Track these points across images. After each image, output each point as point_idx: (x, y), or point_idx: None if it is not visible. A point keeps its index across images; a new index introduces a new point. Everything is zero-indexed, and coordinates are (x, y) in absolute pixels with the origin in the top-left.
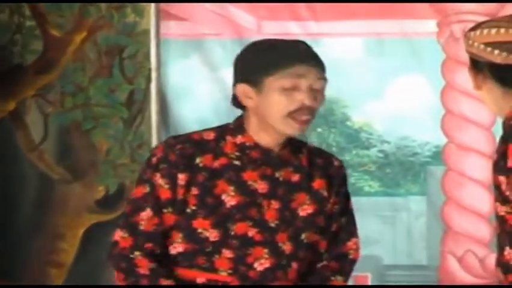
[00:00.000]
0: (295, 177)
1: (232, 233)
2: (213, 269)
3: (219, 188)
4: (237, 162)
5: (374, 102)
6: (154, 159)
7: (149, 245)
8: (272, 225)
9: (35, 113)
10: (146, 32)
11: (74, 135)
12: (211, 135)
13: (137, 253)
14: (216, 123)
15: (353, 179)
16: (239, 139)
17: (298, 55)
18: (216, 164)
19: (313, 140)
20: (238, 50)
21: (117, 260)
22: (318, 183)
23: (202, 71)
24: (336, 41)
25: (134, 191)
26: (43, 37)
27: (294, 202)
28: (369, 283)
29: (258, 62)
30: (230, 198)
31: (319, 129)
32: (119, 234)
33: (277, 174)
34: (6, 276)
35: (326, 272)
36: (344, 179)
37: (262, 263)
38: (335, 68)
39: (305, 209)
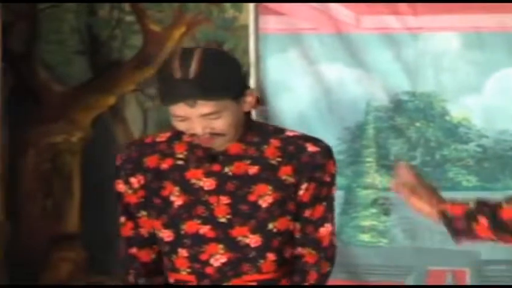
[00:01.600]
0: (253, 170)
1: (183, 232)
2: (175, 269)
3: (166, 189)
4: (180, 162)
5: (473, 96)
6: (115, 167)
7: (132, 250)
8: (223, 220)
9: (134, 107)
10: (245, 27)
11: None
12: (165, 136)
13: (125, 258)
14: (313, 117)
15: (451, 173)
16: (189, 138)
17: (174, 96)
18: (164, 165)
19: (411, 135)
20: (336, 45)
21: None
22: (284, 171)
23: (300, 65)
24: (435, 35)
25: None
26: (143, 32)
27: (252, 195)
28: (467, 278)
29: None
30: (176, 199)
31: (417, 124)
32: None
33: (226, 170)
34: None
35: (303, 265)
36: (319, 165)
37: (217, 259)
38: (433, 62)
39: (266, 200)
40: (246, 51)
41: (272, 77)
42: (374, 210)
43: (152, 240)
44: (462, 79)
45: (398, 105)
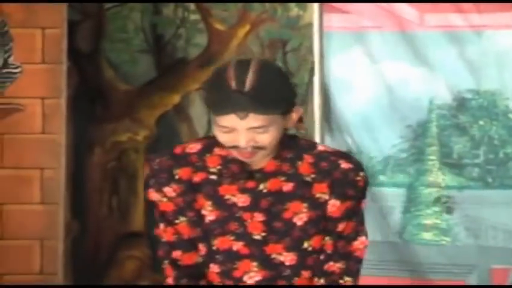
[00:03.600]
0: (288, 187)
1: (215, 247)
2: (209, 282)
3: (198, 202)
4: (213, 177)
5: None
6: (146, 176)
7: (177, 253)
8: (258, 237)
9: (198, 106)
10: (309, 26)
11: None
12: (196, 148)
13: (166, 262)
14: (376, 115)
15: None
16: (225, 151)
17: (228, 106)
18: (196, 178)
19: (474, 133)
20: (399, 43)
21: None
22: (318, 188)
23: (364, 63)
24: (499, 33)
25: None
26: (207, 31)
27: (287, 212)
28: (510, 276)
29: (205, 95)
30: (208, 213)
31: (481, 122)
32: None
33: (261, 187)
34: None
35: (333, 274)
36: (352, 182)
37: (251, 276)
38: (497, 60)
39: (301, 218)
40: (310, 50)
41: (335, 75)
42: (436, 209)
43: (195, 244)
44: None
45: (461, 104)
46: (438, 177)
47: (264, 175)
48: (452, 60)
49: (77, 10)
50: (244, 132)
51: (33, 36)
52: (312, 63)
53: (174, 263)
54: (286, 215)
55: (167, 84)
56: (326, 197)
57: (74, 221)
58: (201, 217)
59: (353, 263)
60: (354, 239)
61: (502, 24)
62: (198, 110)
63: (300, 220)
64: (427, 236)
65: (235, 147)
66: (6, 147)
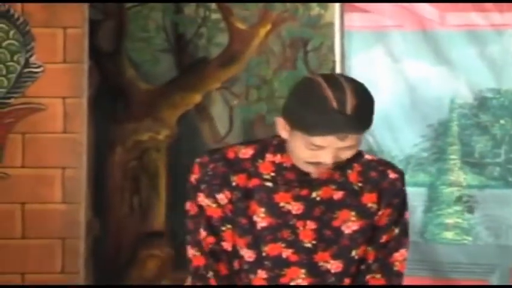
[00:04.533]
0: (338, 195)
1: (264, 253)
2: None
3: (251, 209)
4: (268, 184)
5: None
6: (193, 179)
7: (217, 265)
8: (308, 245)
9: (220, 105)
10: (330, 25)
11: (259, 128)
12: (248, 153)
13: (210, 273)
14: (397, 114)
15: None
16: (278, 158)
17: (333, 129)
18: (250, 184)
19: (495, 132)
20: (420, 42)
21: (194, 278)
22: (367, 198)
23: (385, 62)
24: None
25: (189, 206)
26: (228, 30)
27: (336, 220)
28: None
29: (296, 113)
30: (261, 220)
31: (502, 121)
32: (191, 252)
33: (314, 195)
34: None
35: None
36: (398, 192)
37: (298, 283)
38: None
39: (350, 226)
40: (331, 49)
41: (357, 74)
42: (458, 208)
43: (233, 254)
44: None
45: (482, 103)
46: (460, 176)
47: (317, 183)
48: (473, 59)
49: (98, 10)
50: (333, 151)
51: (54, 36)
52: (334, 62)
53: (217, 274)
54: (335, 223)
55: (188, 83)
56: (375, 206)
57: (96, 220)
58: (253, 224)
59: (394, 278)
60: (396, 250)
61: None
62: (219, 109)
63: (348, 228)
64: (449, 235)
65: (317, 163)
66: (27, 147)
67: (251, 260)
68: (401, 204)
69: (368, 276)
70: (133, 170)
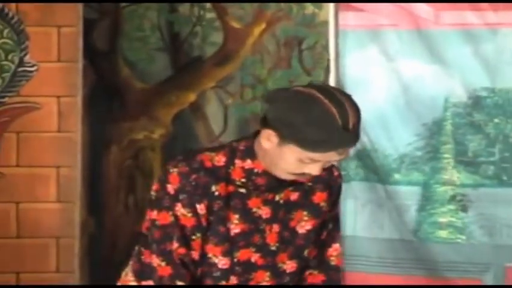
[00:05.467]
0: (295, 196)
1: (236, 260)
2: None
3: (227, 216)
4: (242, 190)
5: None
6: (171, 189)
7: (186, 274)
8: (273, 248)
9: (215, 104)
10: (325, 24)
11: (253, 127)
12: (221, 161)
13: (179, 283)
14: (391, 113)
15: None
16: (248, 164)
17: (337, 145)
18: (227, 191)
19: (490, 131)
20: (415, 41)
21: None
22: (319, 197)
23: (379, 61)
24: None
25: (158, 215)
26: (223, 29)
27: (292, 221)
28: None
29: (297, 128)
30: (234, 226)
31: (496, 120)
32: (155, 261)
33: (277, 198)
34: None
35: (317, 285)
36: (340, 189)
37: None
38: None
39: (303, 226)
40: (325, 48)
41: (351, 73)
42: (451, 207)
43: (200, 263)
44: None
45: (476, 102)
46: (454, 175)
47: (280, 186)
48: (468, 58)
49: (93, 9)
50: (324, 163)
51: (49, 35)
52: (328, 61)
53: (187, 282)
54: (292, 223)
55: (183, 82)
56: (325, 204)
57: (91, 219)
58: (227, 231)
59: (333, 273)
60: (330, 245)
61: None
62: (214, 108)
63: (301, 228)
64: (442, 234)
65: (301, 174)
66: (22, 146)
67: (226, 267)
68: (338, 201)
69: (306, 273)
70: (128, 169)
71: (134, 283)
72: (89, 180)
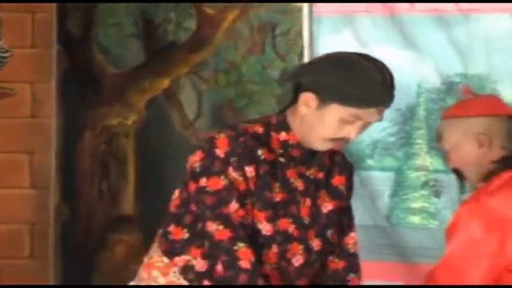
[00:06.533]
0: (320, 175)
1: (277, 228)
2: (261, 262)
3: (271, 182)
4: (282, 159)
5: None
6: (220, 152)
7: (246, 235)
8: (306, 222)
9: (189, 90)
10: (299, 10)
11: (227, 113)
12: (260, 130)
13: (241, 244)
14: None
15: None
16: (283, 136)
17: (379, 101)
18: (270, 158)
19: None
20: (389, 27)
21: (216, 252)
22: (337, 180)
23: (353, 47)
24: (487, 16)
25: (207, 182)
26: (197, 15)
27: (319, 199)
28: None
29: (339, 86)
30: (275, 195)
31: None
32: (212, 227)
33: (308, 173)
34: None
35: (339, 271)
36: (353, 175)
37: (298, 259)
38: (485, 43)
39: (326, 206)
40: (299, 34)
41: None
42: (424, 192)
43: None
44: None
45: (449, 87)
46: (426, 160)
47: (310, 162)
48: (441, 44)
49: None
50: (361, 126)
51: (23, 21)
52: (302, 47)
53: (249, 245)
54: (319, 201)
55: (157, 68)
56: (344, 189)
57: (64, 205)
58: (271, 198)
59: (353, 259)
60: (347, 233)
61: (489, 8)
62: (188, 94)
63: (325, 208)
64: (415, 219)
65: (339, 139)
66: None
67: (269, 234)
68: (353, 187)
69: (330, 258)
70: (102, 155)
71: (162, 263)
72: (63, 166)
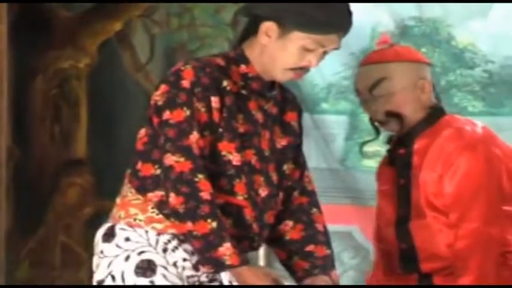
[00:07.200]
0: (275, 110)
1: (243, 159)
2: (233, 193)
3: (236, 113)
4: (243, 91)
5: (479, 21)
6: (186, 83)
7: (204, 167)
8: (266, 154)
9: (141, 33)
10: None
11: (180, 56)
12: (222, 62)
13: (200, 176)
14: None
15: (457, 98)
16: (242, 69)
17: (339, 25)
18: (234, 90)
19: None
20: None
21: (177, 184)
22: (290, 116)
23: None
24: None
25: (171, 114)
26: None
27: (274, 134)
28: None
29: (301, 11)
30: (240, 126)
31: (423, 49)
32: (171, 159)
33: (266, 106)
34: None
35: (304, 205)
36: (302, 116)
37: (263, 190)
38: None
39: (279, 142)
40: None
41: None
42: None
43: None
44: (468, 4)
45: (403, 31)
46: None
47: (267, 96)
48: None
49: None
50: (321, 54)
51: None
52: None
53: (208, 176)
54: (274, 136)
55: (108, 11)
56: (296, 125)
57: (17, 148)
58: (236, 128)
59: (313, 196)
60: (303, 171)
61: None
62: (140, 37)
63: (279, 144)
64: (369, 163)
65: (301, 68)
66: None
67: (239, 164)
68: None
69: (295, 193)
70: (53, 97)
71: (139, 200)
72: (15, 109)
